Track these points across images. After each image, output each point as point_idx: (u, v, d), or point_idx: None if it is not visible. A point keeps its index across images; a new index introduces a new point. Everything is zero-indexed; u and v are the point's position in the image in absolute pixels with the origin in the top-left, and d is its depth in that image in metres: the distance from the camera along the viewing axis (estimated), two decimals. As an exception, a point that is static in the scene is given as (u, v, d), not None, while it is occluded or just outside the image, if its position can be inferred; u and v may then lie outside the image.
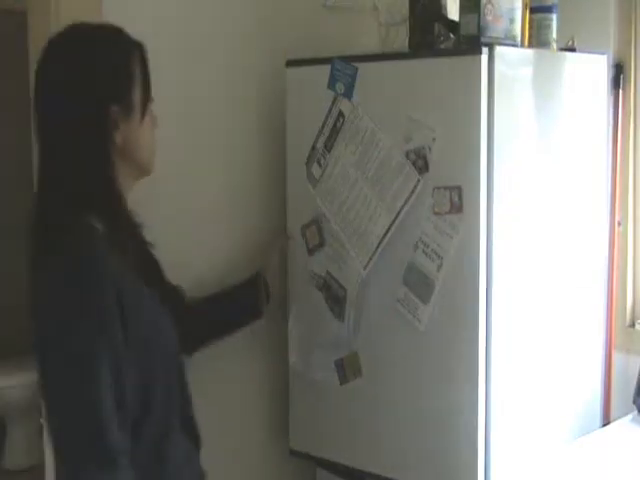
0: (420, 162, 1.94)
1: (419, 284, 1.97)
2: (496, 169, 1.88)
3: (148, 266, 1.69)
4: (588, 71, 2.24)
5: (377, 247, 2.04)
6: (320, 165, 2.15)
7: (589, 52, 2.26)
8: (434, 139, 1.92)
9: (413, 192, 1.96)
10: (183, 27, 2.14)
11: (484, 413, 1.92)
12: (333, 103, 2.11)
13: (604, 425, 2.34)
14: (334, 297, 2.15)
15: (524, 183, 2.00)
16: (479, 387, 1.90)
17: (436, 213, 1.93)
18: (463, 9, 1.97)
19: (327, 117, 2.12)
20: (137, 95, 1.51)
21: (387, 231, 2.02)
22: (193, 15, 2.16)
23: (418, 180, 1.95)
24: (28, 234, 1.51)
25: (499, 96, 1.87)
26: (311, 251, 2.19)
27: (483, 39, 1.90)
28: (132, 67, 1.51)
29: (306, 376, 2.24)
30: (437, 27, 2.10)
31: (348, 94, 2.07)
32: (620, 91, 2.51)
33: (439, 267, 1.93)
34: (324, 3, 2.44)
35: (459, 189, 1.89)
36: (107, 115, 1.46)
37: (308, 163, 2.18)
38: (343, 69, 2.07)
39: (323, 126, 2.13)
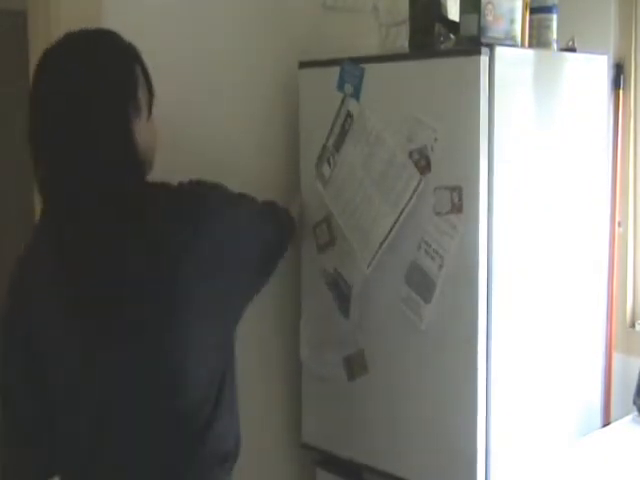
0: (423, 162, 1.94)
1: (421, 283, 1.98)
2: (496, 169, 1.88)
3: None
4: (588, 71, 2.23)
5: (380, 246, 2.05)
6: (329, 165, 2.17)
7: (589, 52, 2.25)
8: (436, 139, 1.92)
9: (415, 192, 1.96)
10: (185, 26, 2.14)
11: (484, 414, 1.92)
12: (342, 104, 2.12)
13: (604, 425, 2.34)
14: (341, 294, 2.18)
15: (524, 183, 1.99)
16: (479, 388, 1.90)
17: (437, 213, 1.93)
18: (463, 9, 1.97)
19: (336, 117, 2.14)
20: (142, 94, 1.52)
21: (390, 230, 2.03)
22: (193, 14, 2.16)
23: (420, 180, 1.95)
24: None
25: (499, 96, 1.87)
26: (321, 249, 2.22)
27: (483, 39, 1.90)
28: (134, 67, 1.50)
29: (317, 372, 2.27)
30: (437, 27, 2.09)
31: (356, 95, 2.09)
32: (620, 91, 2.52)
33: (440, 267, 1.93)
34: (324, 3, 2.44)
35: (459, 189, 1.89)
36: (126, 116, 1.46)
37: (319, 162, 2.20)
38: (351, 70, 2.09)
39: (333, 126, 2.15)
